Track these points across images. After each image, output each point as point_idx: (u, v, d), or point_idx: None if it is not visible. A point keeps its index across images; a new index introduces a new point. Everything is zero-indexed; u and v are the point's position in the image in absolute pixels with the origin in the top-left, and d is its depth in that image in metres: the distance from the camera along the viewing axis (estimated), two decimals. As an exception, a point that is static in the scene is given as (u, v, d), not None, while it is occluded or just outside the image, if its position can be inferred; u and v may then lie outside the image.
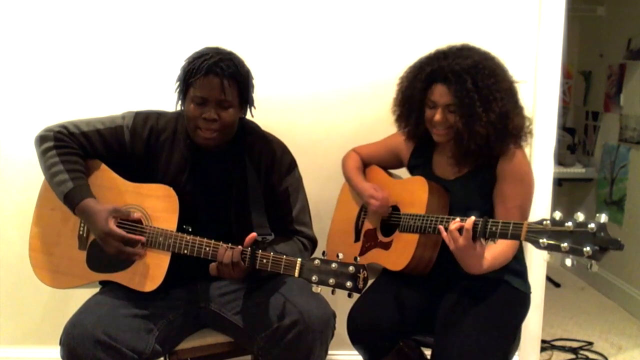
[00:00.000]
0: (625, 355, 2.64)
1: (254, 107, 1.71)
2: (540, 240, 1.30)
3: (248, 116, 1.83)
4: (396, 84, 1.78)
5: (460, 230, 1.46)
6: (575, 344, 2.70)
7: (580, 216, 1.26)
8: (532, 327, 2.33)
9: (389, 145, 1.92)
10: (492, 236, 1.43)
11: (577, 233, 1.25)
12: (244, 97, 1.64)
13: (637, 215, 3.10)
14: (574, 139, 3.75)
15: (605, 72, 3.47)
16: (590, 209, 3.60)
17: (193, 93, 1.59)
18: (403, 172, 1.96)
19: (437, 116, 1.62)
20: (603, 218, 1.24)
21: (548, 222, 1.30)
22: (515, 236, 1.37)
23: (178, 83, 1.65)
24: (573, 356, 2.61)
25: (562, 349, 2.66)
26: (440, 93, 1.61)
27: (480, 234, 1.44)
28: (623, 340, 2.79)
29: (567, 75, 3.82)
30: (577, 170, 3.61)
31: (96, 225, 1.57)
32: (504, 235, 1.40)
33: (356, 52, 2.16)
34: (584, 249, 1.23)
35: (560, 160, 3.56)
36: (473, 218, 1.45)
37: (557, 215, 1.29)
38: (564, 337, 2.79)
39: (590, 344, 2.72)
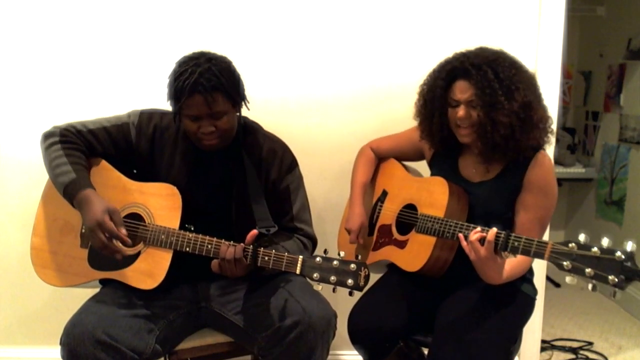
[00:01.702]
0: (625, 355, 2.64)
1: (248, 102, 1.71)
2: (565, 263, 1.29)
3: (252, 116, 1.83)
4: (417, 92, 1.76)
5: (481, 241, 1.45)
6: (575, 344, 2.71)
7: (606, 241, 1.27)
8: (532, 327, 2.33)
9: (413, 138, 1.86)
10: (514, 251, 1.42)
11: (604, 260, 1.25)
12: (235, 99, 1.63)
13: (637, 215, 3.10)
14: (574, 139, 3.75)
15: (605, 72, 3.47)
16: (590, 209, 3.61)
17: (185, 112, 1.60)
18: (421, 167, 1.94)
19: (461, 112, 1.59)
20: (629, 246, 1.24)
21: (574, 245, 1.29)
22: (539, 255, 1.37)
23: (168, 99, 1.63)
24: (573, 356, 2.61)
25: (562, 349, 2.66)
26: (461, 89, 1.59)
27: (502, 248, 1.43)
28: (623, 340, 2.79)
29: (567, 75, 3.82)
30: (577, 170, 3.61)
31: (90, 214, 1.55)
32: (526, 252, 1.40)
33: (360, 56, 2.16)
34: (609, 277, 1.23)
35: (560, 160, 3.56)
36: (495, 230, 1.45)
37: (584, 238, 1.29)
38: (564, 337, 2.79)
39: (590, 344, 2.72)
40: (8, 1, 2.14)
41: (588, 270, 1.26)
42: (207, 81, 1.54)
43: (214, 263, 1.57)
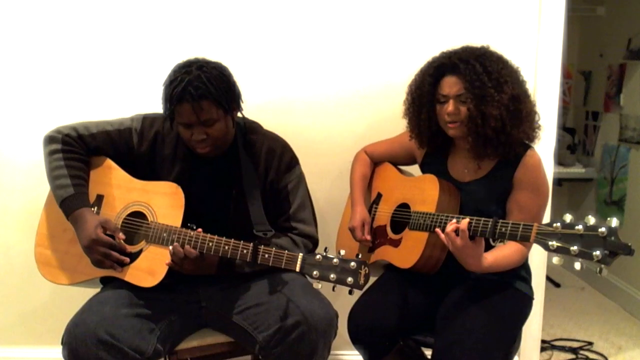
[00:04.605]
0: (625, 355, 2.64)
1: (242, 109, 1.71)
2: (550, 243, 1.29)
3: (253, 117, 1.83)
4: (405, 91, 1.78)
5: (457, 231, 1.47)
6: (575, 344, 2.71)
7: (591, 219, 1.26)
8: (532, 327, 2.33)
9: (404, 142, 1.88)
10: (502, 237, 1.43)
11: (587, 237, 1.24)
12: (227, 105, 1.62)
13: (637, 215, 3.11)
14: (574, 139, 3.75)
15: (605, 72, 3.47)
16: (590, 209, 3.60)
17: (177, 119, 1.62)
18: (415, 170, 1.94)
19: (450, 107, 1.61)
20: (614, 222, 1.23)
21: (558, 224, 1.29)
22: (525, 238, 1.37)
23: (163, 107, 1.64)
24: (573, 356, 2.61)
25: (562, 349, 2.67)
26: (449, 84, 1.61)
27: (490, 235, 1.44)
28: (623, 340, 2.79)
29: (567, 75, 3.82)
30: (577, 170, 3.61)
31: (84, 233, 1.61)
32: (513, 237, 1.40)
33: (361, 54, 2.16)
34: (593, 253, 1.22)
35: (560, 160, 3.56)
36: (467, 219, 1.47)
37: (568, 217, 1.29)
38: (564, 337, 2.79)
39: (590, 344, 2.72)
40: (10, 3, 2.14)
41: (573, 248, 1.25)
42: (195, 89, 1.55)
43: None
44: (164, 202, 1.67)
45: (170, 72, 1.62)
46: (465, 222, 1.47)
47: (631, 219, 3.16)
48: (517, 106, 1.59)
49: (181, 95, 1.55)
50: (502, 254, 1.59)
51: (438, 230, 1.53)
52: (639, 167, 3.11)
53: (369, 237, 1.84)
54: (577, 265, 1.26)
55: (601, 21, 3.56)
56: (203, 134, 1.61)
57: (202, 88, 1.56)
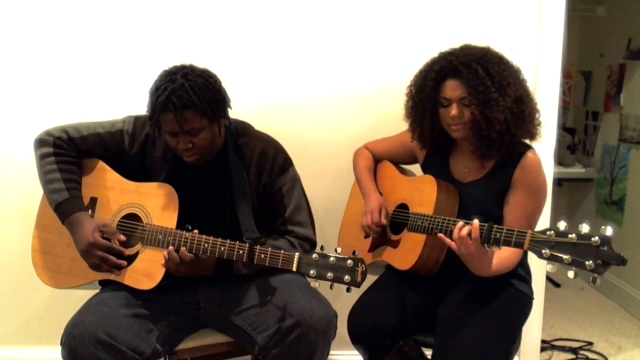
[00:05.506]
0: (625, 355, 2.64)
1: (230, 108, 1.69)
2: (543, 251, 1.29)
3: (251, 119, 1.82)
4: (404, 93, 1.77)
5: (469, 234, 1.45)
6: (575, 344, 2.70)
7: (584, 227, 1.25)
8: (532, 327, 2.33)
9: (404, 141, 1.87)
10: (496, 243, 1.42)
11: (581, 245, 1.24)
12: (211, 115, 1.60)
13: (637, 215, 3.10)
14: (574, 139, 3.75)
15: (605, 72, 3.47)
16: (590, 209, 3.61)
17: (162, 128, 1.61)
18: (416, 169, 1.94)
19: (454, 111, 1.59)
20: (608, 231, 1.23)
21: (552, 232, 1.29)
22: (519, 244, 1.37)
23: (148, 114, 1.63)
24: (573, 356, 2.61)
25: (562, 349, 2.66)
26: (452, 88, 1.59)
27: (485, 240, 1.43)
28: (623, 340, 2.79)
29: (567, 75, 3.82)
30: (577, 170, 3.61)
31: (81, 236, 1.61)
32: (507, 243, 1.40)
33: (360, 55, 2.16)
34: (586, 263, 1.22)
35: (560, 160, 3.56)
36: (477, 221, 1.44)
37: (562, 225, 1.28)
38: (564, 337, 2.79)
39: (590, 344, 2.72)
40: (8, 2, 2.13)
41: (566, 257, 1.25)
42: (177, 99, 1.53)
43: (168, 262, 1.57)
44: (158, 203, 1.66)
45: (156, 79, 1.60)
46: (477, 225, 1.43)
47: (631, 219, 3.15)
48: (521, 107, 1.58)
49: (164, 104, 1.53)
50: (503, 255, 1.58)
51: (441, 235, 1.51)
52: (639, 167, 3.10)
53: (385, 221, 1.80)
54: (571, 274, 1.26)
55: (601, 21, 3.56)
56: (188, 142, 1.60)
57: (186, 97, 1.53)
